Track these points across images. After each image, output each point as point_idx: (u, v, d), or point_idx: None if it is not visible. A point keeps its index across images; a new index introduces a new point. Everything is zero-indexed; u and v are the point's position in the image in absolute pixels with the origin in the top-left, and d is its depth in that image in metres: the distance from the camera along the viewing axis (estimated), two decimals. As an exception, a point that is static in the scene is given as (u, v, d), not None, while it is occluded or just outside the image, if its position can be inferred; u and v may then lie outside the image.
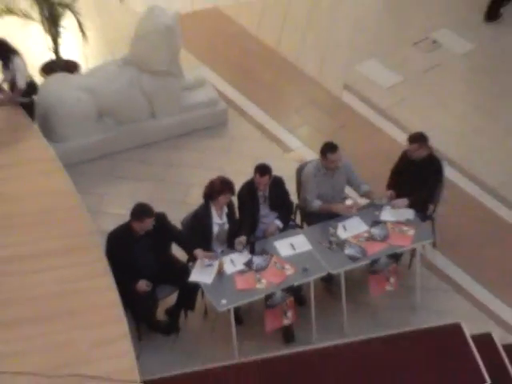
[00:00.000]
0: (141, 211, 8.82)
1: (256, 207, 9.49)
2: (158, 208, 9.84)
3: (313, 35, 13.44)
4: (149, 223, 8.80)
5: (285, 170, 10.15)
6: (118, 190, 11.02)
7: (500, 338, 9.16)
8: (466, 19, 13.59)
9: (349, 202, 9.66)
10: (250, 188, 9.46)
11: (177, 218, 9.50)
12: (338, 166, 9.59)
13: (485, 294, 9.95)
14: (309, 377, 8.51)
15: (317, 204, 9.63)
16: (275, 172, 9.57)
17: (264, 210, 9.53)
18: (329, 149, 9.46)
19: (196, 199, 9.67)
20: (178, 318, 9.34)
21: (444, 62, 12.97)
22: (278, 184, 9.56)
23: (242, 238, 9.18)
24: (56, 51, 11.96)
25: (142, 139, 11.51)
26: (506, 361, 8.81)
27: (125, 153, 11.42)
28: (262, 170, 9.34)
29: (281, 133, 11.94)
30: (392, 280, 9.48)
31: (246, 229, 9.37)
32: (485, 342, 8.94)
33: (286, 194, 9.67)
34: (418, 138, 9.79)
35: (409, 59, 13.01)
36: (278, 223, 9.50)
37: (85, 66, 12.18)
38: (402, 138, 11.37)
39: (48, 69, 11.97)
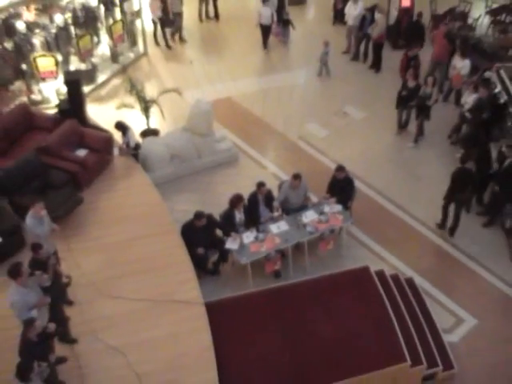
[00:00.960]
0: (198, 215, 8.79)
1: (258, 206, 9.37)
2: (204, 206, 9.77)
3: (280, 109, 13.06)
4: (203, 221, 8.79)
5: (268, 183, 9.97)
6: (182, 198, 10.68)
7: (387, 270, 9.13)
8: (361, 100, 13.21)
9: (276, 214, 9.30)
10: (254, 195, 9.37)
11: (213, 211, 9.27)
12: (299, 185, 9.44)
13: (377, 247, 9.87)
14: (291, 298, 8.45)
15: (276, 205, 9.44)
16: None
17: (262, 207, 9.39)
18: (296, 176, 9.35)
19: (224, 202, 9.47)
20: (219, 266, 9.28)
21: (350, 123, 12.63)
22: (269, 193, 9.44)
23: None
24: (148, 124, 11.75)
25: (193, 169, 11.16)
26: (392, 285, 8.80)
27: (185, 177, 11.07)
28: (262, 184, 9.30)
29: (265, 162, 11.61)
30: (331, 243, 9.51)
31: (253, 218, 9.29)
32: (380, 274, 8.89)
33: (273, 198, 9.53)
34: (341, 168, 9.65)
35: (332, 122, 12.66)
36: (271, 214, 9.37)
37: (162, 131, 11.85)
38: (331, 166, 11.06)
39: (144, 133, 11.69)
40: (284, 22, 14.59)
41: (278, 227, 9.18)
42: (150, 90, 12.42)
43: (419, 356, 7.82)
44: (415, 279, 9.27)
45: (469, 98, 11.29)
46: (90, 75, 12.92)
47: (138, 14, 13.94)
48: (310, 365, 7.64)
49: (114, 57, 13.74)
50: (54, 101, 12.56)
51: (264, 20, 13.81)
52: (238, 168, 11.49)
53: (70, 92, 10.29)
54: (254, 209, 9.35)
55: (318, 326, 8.06)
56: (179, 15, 14.61)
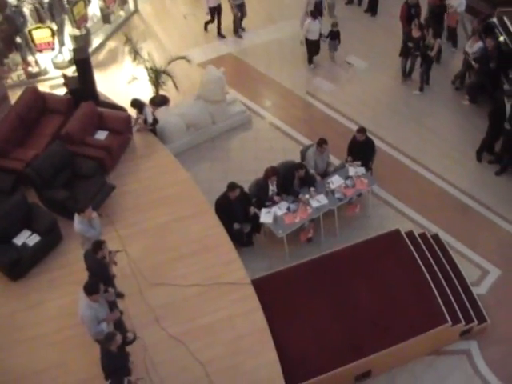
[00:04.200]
0: (232, 185, 8.60)
1: (293, 181, 9.11)
2: (228, 174, 9.76)
3: (284, 63, 12.36)
4: (237, 192, 8.60)
5: (284, 144, 9.86)
6: (203, 167, 10.30)
7: (415, 230, 9.08)
8: (361, 48, 12.65)
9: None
10: (292, 171, 9.05)
11: (235, 179, 8.94)
12: (324, 150, 9.34)
13: (401, 205, 9.81)
14: (331, 268, 8.43)
15: (312, 172, 9.29)
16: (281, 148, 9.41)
17: (296, 185, 9.14)
18: (322, 142, 9.20)
19: (246, 168, 9.26)
20: (252, 237, 9.17)
21: (355, 75, 12.13)
22: (306, 171, 9.10)
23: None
24: (157, 92, 11.02)
25: (209, 136, 10.74)
26: (422, 244, 8.82)
27: (202, 144, 10.65)
28: (301, 166, 9.04)
29: (277, 122, 11.13)
30: (358, 206, 9.55)
31: (286, 192, 9.10)
32: (411, 235, 8.89)
33: (310, 174, 9.22)
34: (362, 130, 9.51)
35: (337, 74, 12.15)
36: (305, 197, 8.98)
37: (173, 100, 11.07)
38: (343, 122, 11.06)
39: (153, 101, 10.93)
40: (333, 35, 12.22)
41: (319, 201, 8.98)
42: (148, 51, 11.52)
43: (457, 314, 8.02)
44: (439, 234, 9.27)
45: (473, 47, 10.98)
46: (85, 40, 12.00)
47: (127, -30, 12.85)
48: (359, 332, 7.80)
49: (106, 17, 12.75)
50: (52, 71, 11.78)
51: (312, 36, 12.11)
52: (252, 131, 11.07)
53: (79, 71, 9.59)
54: (288, 184, 9.14)
55: (361, 293, 8.15)
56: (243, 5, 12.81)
